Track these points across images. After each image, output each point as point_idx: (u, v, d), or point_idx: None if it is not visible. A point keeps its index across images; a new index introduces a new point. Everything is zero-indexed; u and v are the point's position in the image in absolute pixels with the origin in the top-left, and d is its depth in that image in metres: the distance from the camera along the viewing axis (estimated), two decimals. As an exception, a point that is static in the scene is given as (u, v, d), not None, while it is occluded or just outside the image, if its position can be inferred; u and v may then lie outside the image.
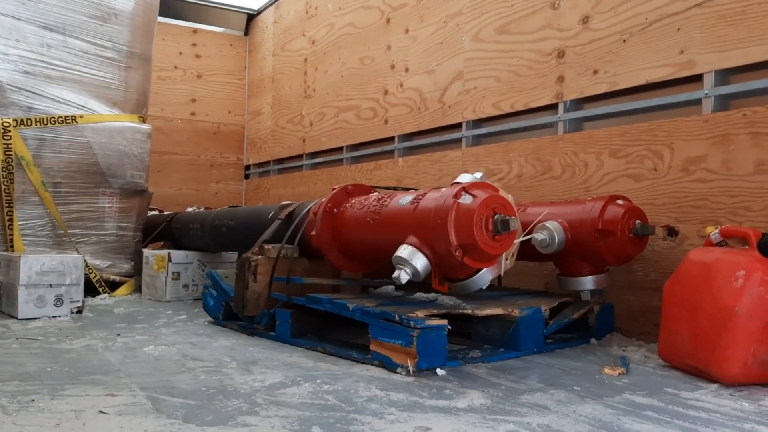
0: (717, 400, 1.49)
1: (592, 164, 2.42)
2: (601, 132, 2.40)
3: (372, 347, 1.78)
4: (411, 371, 1.65)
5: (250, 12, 5.60)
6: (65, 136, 3.14)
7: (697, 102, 2.11)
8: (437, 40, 3.28)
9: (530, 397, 1.48)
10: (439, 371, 1.69)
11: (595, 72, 2.42)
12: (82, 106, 3.20)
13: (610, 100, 2.42)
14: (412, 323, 1.66)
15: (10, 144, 2.93)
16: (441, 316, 1.77)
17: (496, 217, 1.63)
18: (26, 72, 3.06)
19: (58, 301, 2.54)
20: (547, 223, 2.10)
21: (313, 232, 2.12)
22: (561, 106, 2.58)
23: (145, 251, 3.28)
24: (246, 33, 5.70)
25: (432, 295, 2.06)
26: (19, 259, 2.48)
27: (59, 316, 2.52)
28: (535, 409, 1.38)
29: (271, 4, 5.29)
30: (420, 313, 1.74)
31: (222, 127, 5.61)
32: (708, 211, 2.03)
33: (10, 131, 2.93)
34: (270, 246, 2.25)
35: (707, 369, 1.65)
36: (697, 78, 2.10)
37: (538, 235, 2.08)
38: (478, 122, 3.03)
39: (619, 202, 2.07)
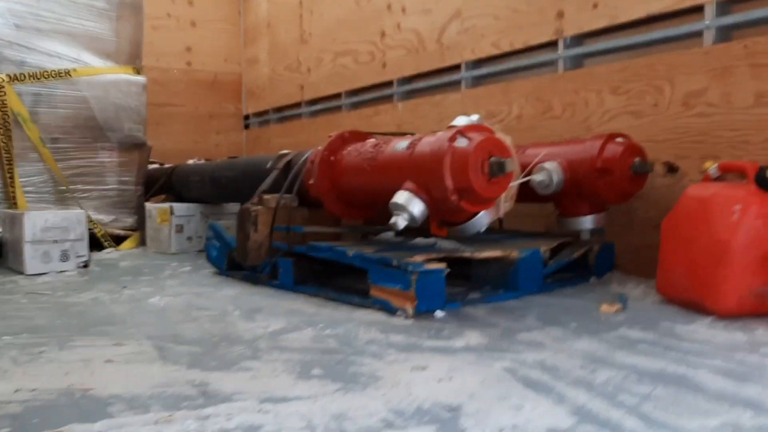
0: (710, 331, 1.51)
1: (592, 102, 2.39)
2: (601, 69, 2.36)
3: (372, 292, 1.80)
4: (410, 314, 1.68)
5: (243, -45, 5.45)
6: (60, 90, 3.11)
7: (699, 34, 2.06)
8: (432, -21, 3.19)
9: (527, 335, 1.50)
10: (438, 313, 1.71)
11: (596, 6, 2.36)
12: (75, 59, 3.17)
13: (610, 35, 2.37)
14: (410, 268, 1.68)
15: (5, 100, 2.91)
16: (440, 260, 1.79)
17: (491, 159, 1.62)
18: (16, 25, 3.01)
19: (64, 256, 2.57)
20: (546, 164, 2.09)
21: (311, 181, 2.12)
22: (561, 43, 2.53)
23: (148, 205, 3.30)
24: (237, -23, 5.55)
25: (431, 240, 2.07)
26: (23, 216, 2.50)
27: (66, 271, 2.56)
28: (531, 346, 1.40)
29: (263, -54, 5.15)
30: (419, 258, 1.75)
31: (219, 77, 5.54)
32: (708, 146, 2.01)
33: (4, 87, 2.91)
34: (269, 196, 2.25)
35: (703, 302, 1.66)
36: (699, 9, 2.05)
37: (537, 176, 2.07)
38: (478, 63, 2.98)
39: (619, 140, 2.05)
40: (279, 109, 5.03)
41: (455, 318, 1.69)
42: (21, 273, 2.52)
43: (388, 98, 3.65)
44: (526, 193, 2.10)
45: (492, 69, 2.90)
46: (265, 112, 5.25)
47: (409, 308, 1.68)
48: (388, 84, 3.63)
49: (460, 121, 1.86)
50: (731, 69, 1.94)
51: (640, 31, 2.25)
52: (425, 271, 1.68)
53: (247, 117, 5.61)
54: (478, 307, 1.82)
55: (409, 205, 1.71)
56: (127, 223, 3.37)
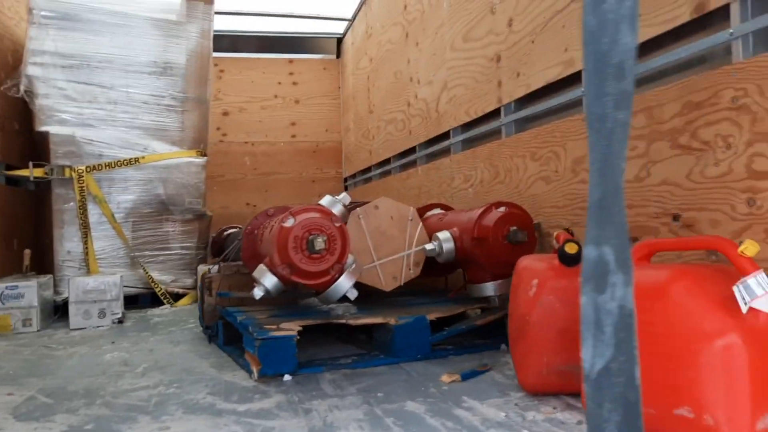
0: (490, 409, 1.52)
1: (520, 167, 2.40)
2: (526, 135, 2.37)
3: (245, 354, 2.03)
4: (255, 377, 1.88)
5: (339, 36, 6.01)
6: (130, 174, 3.78)
7: (580, 101, 2.03)
8: (432, 51, 3.37)
9: (309, 404, 1.63)
10: (286, 377, 1.89)
11: (518, 75, 2.40)
12: (145, 148, 3.83)
13: (530, 103, 2.38)
14: (255, 334, 1.89)
15: (83, 186, 3.62)
16: (317, 326, 1.98)
17: (310, 237, 1.79)
18: (97, 127, 3.75)
19: (101, 314, 3.13)
20: (439, 233, 2.17)
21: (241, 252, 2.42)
22: (502, 110, 2.58)
23: (200, 266, 3.81)
24: (338, 55, 6.12)
25: (334, 306, 2.25)
26: (69, 281, 3.11)
27: (101, 326, 3.11)
28: (297, 415, 1.54)
29: (349, 28, 5.66)
30: (288, 324, 1.96)
31: (320, 145, 6.09)
32: (584, 212, 1.96)
33: (83, 176, 3.63)
34: (225, 264, 2.59)
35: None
36: (578, 75, 2.02)
37: (428, 246, 2.16)
38: (458, 129, 3.08)
39: (500, 209, 2.08)
40: (361, 172, 5.41)
41: (298, 382, 1.85)
42: (67, 327, 3.12)
43: (413, 162, 3.83)
44: (432, 262, 2.20)
45: (465, 135, 2.99)
46: (353, 176, 5.66)
47: (255, 371, 1.89)
48: (413, 149, 3.82)
49: (325, 200, 2.04)
50: (598, 135, 1.89)
51: (546, 98, 2.25)
52: (270, 338, 1.88)
53: (346, 179, 6.08)
54: (339, 371, 1.96)
55: (262, 277, 1.93)
56: (187, 282, 3.91)
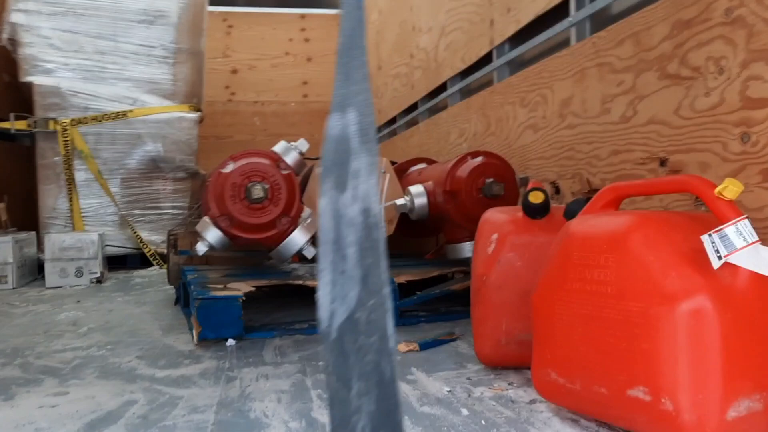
0: (435, 383, 1.31)
1: (510, 116, 2.14)
2: (515, 79, 2.11)
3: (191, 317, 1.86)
4: (195, 341, 1.70)
5: (352, -11, 5.73)
6: (118, 129, 3.62)
7: (566, 35, 1.76)
8: (432, -6, 3.10)
9: (238, 371, 1.45)
10: (229, 342, 1.71)
11: (509, 10, 2.13)
12: (134, 101, 3.66)
13: (521, 42, 2.11)
14: (195, 293, 1.71)
15: (69, 141, 3.49)
16: (272, 287, 1.80)
17: (248, 185, 1.59)
18: (83, 78, 3.59)
19: (79, 273, 3.01)
20: (411, 187, 1.94)
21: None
22: (494, 53, 2.31)
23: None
24: (352, 10, 5.84)
25: (298, 265, 2.05)
26: (43, 238, 2.99)
27: (79, 285, 2.99)
28: (205, 381, 1.36)
29: (361, -21, 5.37)
30: (237, 285, 1.77)
31: (333, 105, 5.85)
32: (573, 162, 1.71)
33: (68, 130, 3.48)
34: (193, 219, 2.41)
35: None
36: (566, 5, 1.75)
37: (399, 200, 1.94)
38: (455, 79, 2.83)
39: (477, 159, 1.84)
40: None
41: (241, 348, 1.67)
42: (44, 287, 3.00)
43: (416, 120, 3.59)
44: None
45: (462, 85, 2.73)
46: (366, 137, 5.42)
47: (194, 335, 1.71)
48: (414, 105, 3.57)
49: (279, 147, 1.83)
50: (585, 71, 1.63)
51: (535, 36, 1.98)
52: (210, 298, 1.70)
53: (359, 142, 5.83)
54: (291, 338, 1.77)
55: (204, 231, 1.74)
56: (178, 244, 3.77)
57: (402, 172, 2.37)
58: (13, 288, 2.97)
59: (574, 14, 1.69)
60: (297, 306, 2.09)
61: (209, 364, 1.52)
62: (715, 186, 0.90)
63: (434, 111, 3.25)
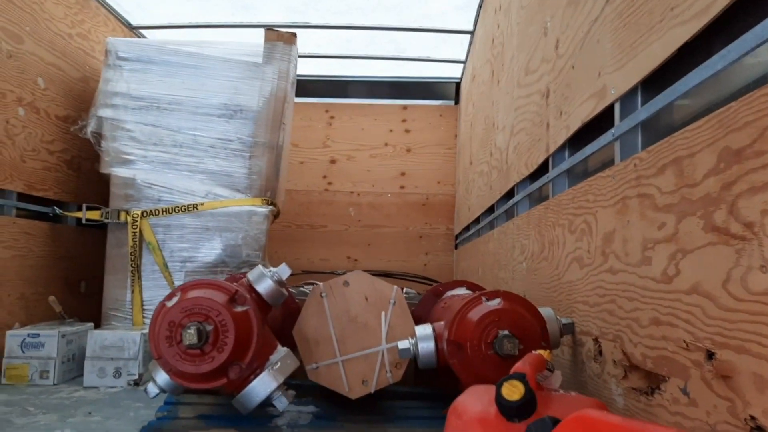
0: None
1: (560, 240, 1.72)
2: (565, 197, 1.70)
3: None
4: (127, 505, 1.41)
5: (457, 80, 5.54)
6: (188, 221, 3.55)
7: (610, 147, 1.36)
8: (507, 89, 2.77)
9: None
10: None
11: (561, 113, 1.75)
12: (206, 194, 3.60)
13: (572, 152, 1.71)
14: (134, 447, 1.42)
15: (137, 232, 3.46)
16: None
17: (188, 325, 1.30)
18: (159, 170, 3.59)
19: (117, 373, 2.86)
20: (418, 327, 1.57)
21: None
22: (550, 162, 1.92)
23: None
24: (456, 101, 5.63)
25: (289, 411, 1.72)
26: (86, 334, 2.89)
27: (115, 387, 2.83)
28: None
29: (463, 71, 5.17)
30: None
31: (431, 198, 5.59)
32: (615, 320, 1.26)
33: (137, 221, 3.47)
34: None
35: None
36: (610, 110, 1.35)
37: (402, 343, 1.57)
38: (521, 185, 2.44)
39: (493, 302, 1.43)
40: (465, 230, 4.81)
41: None
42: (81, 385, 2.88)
43: (492, 224, 3.20)
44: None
45: (526, 193, 2.34)
46: (461, 233, 5.06)
47: (128, 497, 1.41)
48: (492, 208, 3.20)
49: (253, 273, 1.55)
50: (627, 201, 1.21)
51: (582, 143, 1.58)
52: (149, 455, 1.40)
53: (457, 236, 5.48)
54: None
55: (154, 372, 1.47)
56: (237, 343, 3.57)
57: (436, 297, 2.00)
58: (54, 384, 2.88)
59: (618, 124, 1.28)
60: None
61: None
62: None
63: (508, 217, 2.86)
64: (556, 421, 0.75)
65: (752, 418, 0.74)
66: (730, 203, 0.81)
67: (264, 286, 1.50)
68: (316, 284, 1.71)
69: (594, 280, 1.39)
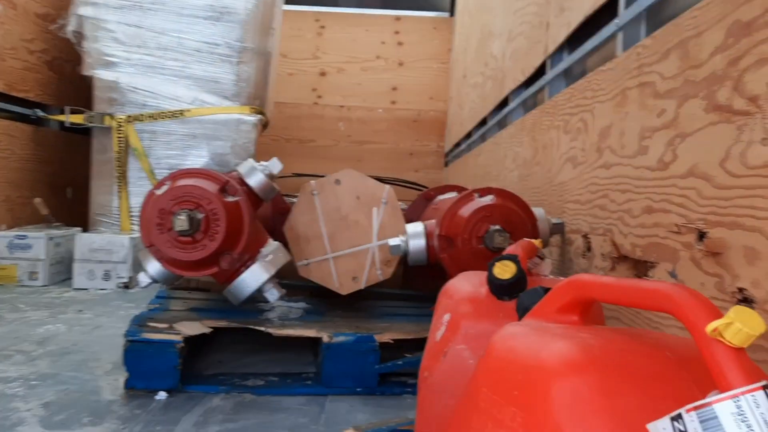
0: None
1: (554, 142, 1.71)
2: (561, 97, 1.68)
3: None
4: (121, 390, 1.43)
5: (453, -9, 5.37)
6: (174, 128, 3.49)
7: (611, 45, 1.32)
8: (504, -5, 2.68)
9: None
10: (159, 395, 1.42)
11: (562, 9, 1.69)
12: (194, 99, 3.52)
13: (572, 51, 1.67)
14: (126, 333, 1.44)
15: (123, 137, 3.40)
16: (231, 329, 1.52)
17: (177, 212, 1.29)
18: (144, 74, 3.49)
19: (106, 276, 2.88)
20: (409, 226, 1.57)
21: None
22: (548, 64, 1.88)
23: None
24: (452, 13, 5.47)
25: (278, 304, 1.74)
26: (74, 237, 2.89)
27: (105, 290, 2.86)
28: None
29: (459, -20, 5.00)
30: (187, 325, 1.49)
31: (422, 114, 5.52)
32: (606, 214, 1.27)
33: (123, 126, 3.40)
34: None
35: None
36: (613, 2, 1.31)
37: (393, 240, 1.57)
38: (515, 93, 2.40)
39: (485, 198, 1.43)
40: (456, 146, 4.77)
41: (171, 407, 1.38)
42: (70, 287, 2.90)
43: (483, 137, 3.18)
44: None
45: (518, 101, 2.30)
46: (451, 150, 5.03)
47: (121, 383, 1.44)
48: (484, 121, 3.16)
49: (244, 166, 1.53)
50: (627, 92, 1.19)
51: (582, 39, 1.54)
52: (141, 341, 1.42)
53: (447, 154, 5.46)
54: (238, 397, 1.46)
55: (145, 262, 1.47)
56: (226, 251, 3.59)
57: (428, 202, 2.00)
58: (43, 285, 2.89)
59: (623, 13, 1.24)
60: (271, 353, 1.77)
61: (105, 429, 1.24)
62: (715, 314, 0.48)
63: (501, 127, 2.83)
64: (547, 290, 0.76)
65: (740, 290, 0.75)
66: (736, 79, 0.79)
67: (255, 180, 1.49)
68: (308, 183, 1.70)
69: (587, 178, 1.39)
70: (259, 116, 3.70)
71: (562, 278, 1.06)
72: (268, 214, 1.85)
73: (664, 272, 0.97)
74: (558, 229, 1.55)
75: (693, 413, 0.45)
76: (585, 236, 1.38)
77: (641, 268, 1.07)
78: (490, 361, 0.65)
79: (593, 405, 0.51)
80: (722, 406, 0.44)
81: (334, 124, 5.51)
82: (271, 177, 1.52)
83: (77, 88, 3.77)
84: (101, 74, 3.42)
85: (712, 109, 0.85)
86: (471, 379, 0.69)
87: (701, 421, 0.45)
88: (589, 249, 1.36)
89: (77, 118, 3.39)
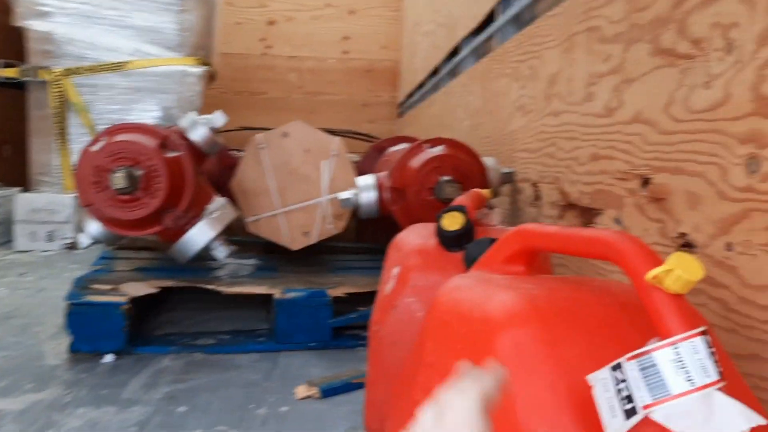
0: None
1: (504, 91, 1.69)
2: (511, 44, 1.65)
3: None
4: (65, 353, 1.40)
5: (403, -64, 5.21)
6: (116, 81, 3.34)
7: (561, -17, 1.29)
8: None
9: (69, 414, 1.12)
10: (106, 357, 1.39)
11: (511, -46, 1.65)
12: (135, 51, 3.37)
13: (521, -5, 1.64)
14: (68, 296, 1.39)
15: (61, 92, 3.24)
16: (180, 289, 1.48)
17: (113, 171, 1.24)
18: (80, 24, 3.32)
19: (50, 237, 2.78)
20: (359, 178, 1.54)
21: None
22: (498, 10, 1.84)
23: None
24: (403, -41, 5.32)
25: (230, 261, 1.71)
26: (13, 197, 2.77)
27: (48, 251, 2.77)
28: (11, 428, 1.04)
29: (410, -76, 4.85)
30: (133, 286, 1.45)
31: (375, 64, 5.42)
32: (554, 162, 1.27)
33: (61, 81, 3.24)
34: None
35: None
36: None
37: (343, 194, 1.54)
38: (467, 41, 2.36)
39: (436, 149, 1.41)
40: (409, 97, 4.72)
41: (119, 369, 1.35)
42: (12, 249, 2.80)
43: (436, 86, 3.14)
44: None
45: (469, 49, 2.27)
46: (405, 101, 4.98)
47: (66, 347, 1.40)
48: (437, 70, 3.12)
49: (186, 119, 1.47)
50: (573, 39, 1.17)
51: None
52: (83, 303, 1.38)
53: (400, 105, 5.40)
54: (188, 356, 1.44)
55: (85, 221, 1.41)
56: (176, 208, 3.51)
57: (379, 153, 1.98)
58: (-17, 248, 2.79)
59: (570, -43, 1.22)
60: (224, 311, 1.74)
61: (49, 394, 1.20)
62: (655, 261, 0.48)
63: (452, 77, 2.80)
64: (493, 240, 0.75)
65: (682, 235, 0.76)
66: (680, 21, 0.77)
67: (197, 134, 1.43)
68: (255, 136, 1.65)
69: (536, 126, 1.38)
70: (205, 68, 3.58)
71: (510, 228, 1.06)
72: (215, 169, 1.79)
73: (610, 219, 0.98)
74: (508, 178, 1.55)
75: (633, 362, 0.45)
76: (534, 185, 1.38)
77: (588, 215, 1.07)
78: (436, 314, 0.64)
79: (538, 355, 0.50)
80: (661, 354, 0.44)
81: (285, 75, 5.37)
82: (214, 131, 1.46)
83: (9, 40, 3.56)
84: (34, 25, 3.23)
85: (657, 54, 0.84)
86: (418, 333, 0.68)
87: (641, 369, 0.44)
88: (538, 198, 1.36)
89: (11, 72, 3.22)
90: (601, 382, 0.45)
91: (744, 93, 0.64)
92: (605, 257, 0.53)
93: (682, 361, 0.44)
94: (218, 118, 1.48)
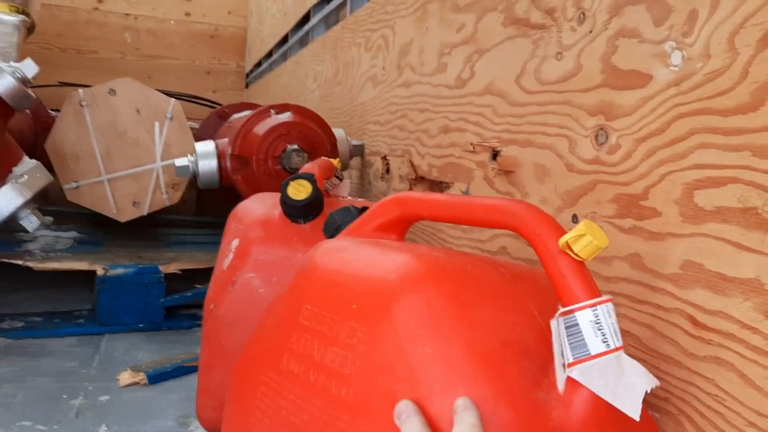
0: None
1: (356, 60, 1.64)
2: (363, 12, 1.60)
3: None
4: None
5: None
6: None
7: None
8: None
9: None
10: None
11: None
12: (-67, -8, 2.90)
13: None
14: None
15: None
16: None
17: None
18: None
19: None
20: (198, 144, 1.41)
21: None
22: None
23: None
24: None
25: (42, 234, 1.51)
26: None
27: None
28: None
29: None
30: None
31: (220, 29, 5.16)
32: (404, 135, 1.24)
33: None
34: None
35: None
36: None
37: (179, 161, 1.41)
38: (317, 7, 2.28)
39: (282, 116, 1.33)
40: (257, 66, 4.54)
41: None
42: None
43: (285, 55, 3.03)
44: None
45: (320, 16, 2.19)
46: (252, 71, 4.79)
47: None
48: (286, 38, 3.01)
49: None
50: (426, 7, 1.14)
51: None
52: None
53: (248, 74, 5.19)
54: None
55: None
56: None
57: (222, 120, 1.85)
58: None
59: None
60: (40, 290, 1.55)
61: None
62: (559, 230, 0.45)
63: (302, 46, 2.70)
64: (362, 209, 0.70)
65: (531, 208, 0.75)
66: (534, -10, 0.76)
67: (2, 83, 1.23)
68: (76, 91, 1.46)
69: (387, 97, 1.34)
70: (22, 17, 3.17)
71: (360, 200, 1.01)
72: (28, 128, 1.57)
73: (458, 191, 0.96)
74: (358, 150, 1.50)
75: (561, 319, 0.44)
76: (384, 158, 1.35)
77: (436, 189, 1.06)
78: (316, 276, 0.57)
79: (450, 316, 0.46)
80: (583, 314, 0.44)
81: (119, 34, 4.93)
82: (24, 82, 1.27)
83: None
84: None
85: (510, 23, 0.82)
86: (282, 301, 0.61)
87: (566, 327, 0.43)
88: (388, 171, 1.33)
89: None
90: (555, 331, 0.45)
91: (595, 64, 0.64)
92: (506, 226, 0.50)
93: (599, 323, 0.44)
94: (28, 67, 1.29)
